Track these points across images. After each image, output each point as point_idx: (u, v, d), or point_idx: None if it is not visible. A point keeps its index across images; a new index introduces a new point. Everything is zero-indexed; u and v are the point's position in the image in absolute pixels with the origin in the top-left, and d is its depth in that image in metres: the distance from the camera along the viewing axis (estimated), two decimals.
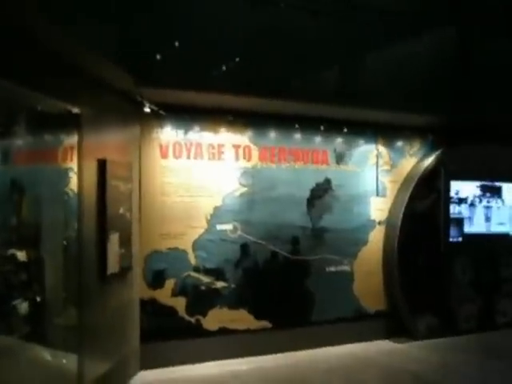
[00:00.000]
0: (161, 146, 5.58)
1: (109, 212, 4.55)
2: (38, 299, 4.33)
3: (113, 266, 4.66)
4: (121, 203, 4.88)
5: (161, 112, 5.25)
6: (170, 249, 5.54)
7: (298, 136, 6.23)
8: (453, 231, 6.85)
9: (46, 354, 4.14)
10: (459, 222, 6.91)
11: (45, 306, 4.41)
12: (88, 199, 4.30)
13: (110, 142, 4.76)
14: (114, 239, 4.68)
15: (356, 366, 5.68)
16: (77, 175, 4.14)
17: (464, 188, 6.93)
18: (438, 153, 6.71)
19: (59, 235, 4.40)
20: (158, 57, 5.27)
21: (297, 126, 6.10)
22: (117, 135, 4.94)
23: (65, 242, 4.29)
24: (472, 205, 7.03)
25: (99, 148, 4.51)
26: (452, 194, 6.83)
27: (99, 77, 4.39)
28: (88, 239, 4.30)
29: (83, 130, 4.23)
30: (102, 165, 4.47)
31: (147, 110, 5.03)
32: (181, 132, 5.67)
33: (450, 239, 6.81)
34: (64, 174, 4.41)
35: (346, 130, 6.35)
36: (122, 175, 4.89)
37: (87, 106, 4.26)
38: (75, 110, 4.12)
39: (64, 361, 4.15)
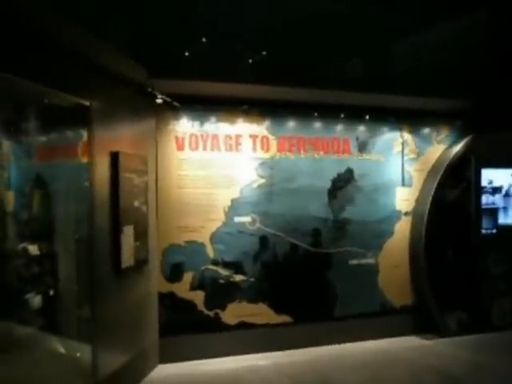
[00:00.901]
0: (177, 139, 5.51)
1: (122, 205, 4.49)
2: (52, 292, 4.32)
3: (127, 260, 4.60)
4: (135, 196, 4.82)
5: (175, 103, 5.16)
6: (187, 242, 5.49)
7: (317, 125, 6.04)
8: (486, 222, 6.54)
9: (61, 347, 4.14)
10: (493, 212, 6.60)
11: (59, 300, 4.41)
12: (101, 192, 4.25)
13: (123, 134, 4.69)
14: (128, 232, 4.62)
15: (381, 363, 5.46)
16: (89, 168, 4.07)
17: (498, 176, 6.62)
18: (467, 139, 6.40)
19: (73, 229, 4.37)
20: (172, 47, 5.21)
21: (316, 114, 5.91)
22: (131, 128, 4.87)
23: (77, 236, 4.25)
24: (507, 195, 6.69)
25: (112, 141, 4.45)
26: (485, 183, 6.52)
27: (111, 69, 4.34)
28: (101, 232, 4.26)
29: (94, 122, 4.17)
30: (114, 157, 4.42)
31: (159, 101, 4.92)
32: (197, 123, 5.58)
33: (483, 231, 6.51)
34: (81, 169, 4.36)
35: (368, 117, 6.11)
36: (136, 168, 4.82)
37: (98, 98, 4.21)
38: (86, 103, 4.05)
39: (78, 354, 4.13)
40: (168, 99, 5.03)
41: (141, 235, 4.92)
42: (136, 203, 4.82)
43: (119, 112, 4.63)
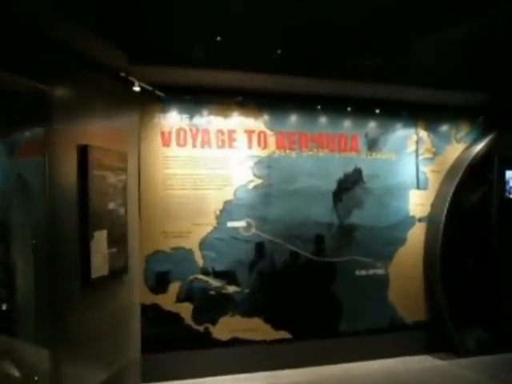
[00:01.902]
0: (163, 133, 5.01)
1: (92, 206, 3.95)
2: (5, 307, 3.79)
3: (100, 268, 4.06)
4: (111, 197, 4.28)
5: (157, 92, 4.60)
6: (174, 248, 5.00)
7: (322, 119, 5.49)
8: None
9: (15, 370, 3.60)
10: None
11: (14, 314, 3.87)
12: (66, 192, 3.70)
13: (96, 127, 4.15)
14: (100, 238, 4.08)
15: None
16: (47, 164, 3.52)
17: None
18: (490, 137, 5.86)
19: (32, 234, 3.83)
20: (155, 31, 4.64)
21: (319, 107, 5.36)
22: (107, 120, 4.33)
23: (34, 242, 3.72)
24: None
25: (81, 133, 3.91)
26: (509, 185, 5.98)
27: (81, 51, 3.81)
28: (66, 238, 3.72)
29: (58, 111, 3.62)
30: (82, 152, 3.87)
31: (136, 88, 4.36)
32: (185, 117, 5.08)
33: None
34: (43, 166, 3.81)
35: (379, 111, 5.56)
36: (111, 165, 4.28)
37: (64, 84, 3.67)
38: (45, 88, 3.49)
39: (36, 378, 3.58)
40: (148, 87, 4.47)
41: (118, 241, 4.39)
42: (111, 205, 4.28)
43: (92, 101, 4.09)
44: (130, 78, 4.28)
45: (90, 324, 3.98)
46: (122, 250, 4.48)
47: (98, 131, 4.16)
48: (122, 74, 4.22)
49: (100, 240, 4.07)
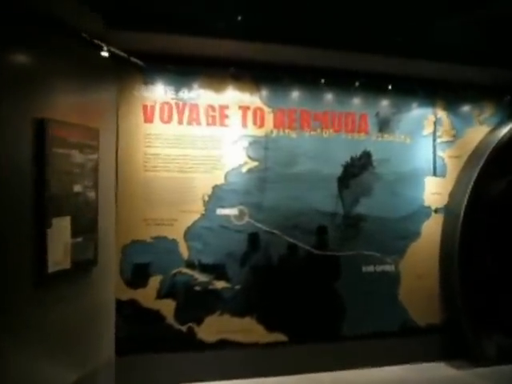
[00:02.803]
0: (145, 108, 4.47)
1: (51, 189, 3.40)
2: None
3: (60, 261, 3.53)
4: (76, 178, 3.74)
5: (134, 60, 4.07)
6: (155, 238, 4.50)
7: (327, 95, 4.92)
8: None
9: None
10: None
11: None
12: (17, 174, 3.15)
13: (62, 99, 3.62)
14: (61, 225, 3.53)
15: None
16: None
17: None
18: None
19: None
20: None
21: (324, 81, 4.77)
22: (76, 91, 3.79)
23: None
24: None
25: (40, 106, 3.37)
26: None
27: (47, 13, 3.27)
28: (17, 227, 3.16)
29: (7, 79, 3.06)
30: (38, 127, 3.31)
31: (105, 53, 3.80)
32: (171, 89, 4.55)
33: None
34: None
35: (392, 87, 4.97)
36: (78, 142, 3.75)
37: (17, 48, 3.10)
38: None
39: None
40: (122, 54, 3.89)
41: (85, 229, 3.86)
42: (77, 187, 3.74)
43: (58, 70, 3.56)
44: (101, 44, 3.69)
45: (48, 323, 3.48)
46: (91, 240, 3.97)
47: (63, 104, 3.63)
48: (96, 40, 3.64)
49: (61, 228, 3.53)
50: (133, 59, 4.05)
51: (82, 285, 3.93)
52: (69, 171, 3.64)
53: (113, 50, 3.85)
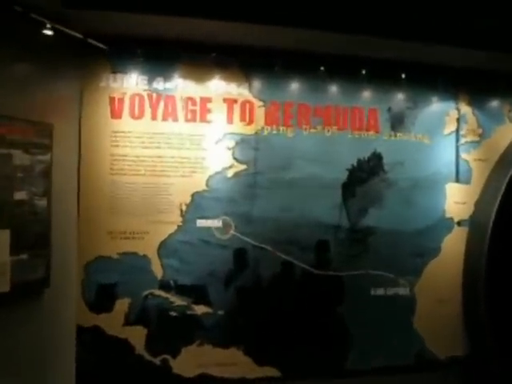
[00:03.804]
0: (112, 101, 3.93)
1: None
2: None
3: None
4: (19, 183, 3.17)
5: (91, 42, 3.50)
6: (123, 254, 3.96)
7: (330, 86, 4.36)
8: None
9: None
10: None
11: None
12: None
13: (2, 89, 3.10)
14: None
15: None
16: None
17: None
18: None
19: None
20: None
21: (325, 69, 4.19)
22: (23, 80, 3.30)
23: None
24: None
25: None
26: None
27: None
28: None
29: None
30: None
31: (48, 32, 3.21)
32: (143, 79, 4.00)
33: None
34: None
35: (406, 77, 4.41)
36: (22, 141, 3.21)
37: None
38: None
39: None
40: (76, 34, 3.29)
41: (32, 244, 3.31)
42: (20, 195, 3.17)
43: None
44: (53, 23, 3.11)
45: None
46: (40, 257, 3.42)
47: (3, 94, 3.12)
48: (47, 20, 3.07)
49: None
50: (90, 41, 3.45)
51: (28, 311, 3.40)
52: (8, 175, 3.07)
53: (63, 30, 3.22)
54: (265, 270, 4.23)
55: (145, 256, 3.98)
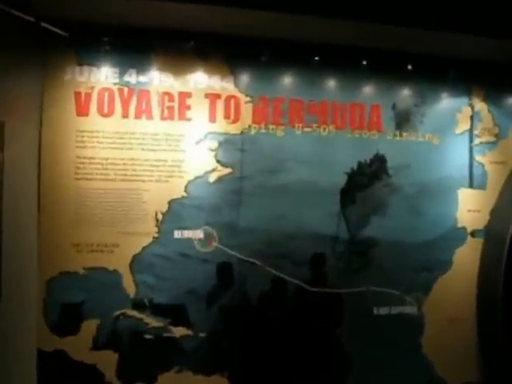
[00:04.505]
0: (78, 96, 3.61)
1: None
2: None
3: None
4: None
5: (45, 26, 3.16)
6: (90, 269, 3.65)
7: (326, 80, 4.11)
8: None
9: None
10: None
11: None
12: None
13: None
14: None
15: None
16: None
17: None
18: None
19: None
20: None
21: (319, 60, 3.92)
22: None
23: None
24: None
25: None
26: None
27: None
28: None
29: None
30: None
31: None
32: (114, 71, 3.69)
33: None
34: None
35: (413, 69, 4.13)
36: None
37: None
38: None
39: None
40: (29, 18, 2.98)
41: None
42: None
43: None
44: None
45: None
46: None
47: None
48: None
49: None
50: (45, 25, 3.12)
51: None
52: None
53: (11, 12, 2.84)
54: (253, 287, 3.97)
55: (115, 271, 3.71)
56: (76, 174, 3.59)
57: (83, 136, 3.61)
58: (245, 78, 3.90)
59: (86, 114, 3.62)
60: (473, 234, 4.50)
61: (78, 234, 3.61)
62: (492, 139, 4.54)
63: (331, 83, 4.08)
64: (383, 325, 4.17)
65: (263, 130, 3.96)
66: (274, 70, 3.96)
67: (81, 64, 3.60)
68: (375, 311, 4.18)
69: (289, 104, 4.02)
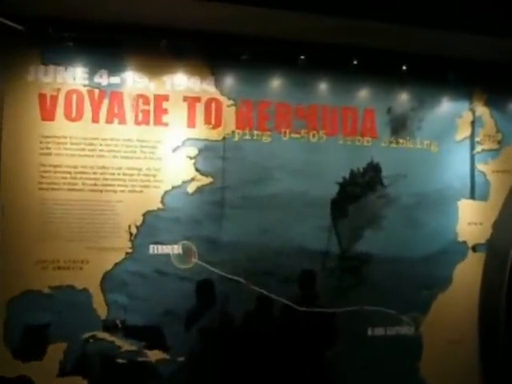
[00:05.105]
0: (43, 98, 3.47)
1: None
2: None
3: None
4: None
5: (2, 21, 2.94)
6: (56, 288, 3.47)
7: (316, 82, 4.00)
8: None
9: None
10: None
11: None
12: None
13: None
14: None
15: None
16: None
17: None
18: None
19: None
20: None
21: (306, 59, 3.80)
22: None
23: None
24: None
25: None
26: None
27: None
28: None
29: None
30: None
31: None
32: (83, 71, 3.54)
33: None
34: None
35: (409, 70, 4.00)
36: None
37: None
38: None
39: None
40: None
41: None
42: None
43: None
44: None
45: None
46: None
47: None
48: None
49: None
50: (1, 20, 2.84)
51: None
52: None
53: None
54: (236, 307, 3.80)
55: (84, 290, 3.53)
56: (40, 183, 3.43)
57: (48, 142, 3.46)
58: (227, 79, 3.79)
59: (52, 119, 3.48)
60: (474, 248, 4.39)
61: (43, 250, 3.45)
62: (495, 146, 4.43)
63: (321, 85, 3.99)
64: (378, 347, 4.03)
65: (247, 137, 3.84)
66: (259, 71, 3.87)
67: (46, 63, 3.49)
68: (369, 332, 4.04)
69: (275, 108, 3.90)
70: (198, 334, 3.70)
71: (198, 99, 3.73)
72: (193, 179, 3.72)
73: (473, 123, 4.39)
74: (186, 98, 3.71)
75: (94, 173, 3.51)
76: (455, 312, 4.28)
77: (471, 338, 4.30)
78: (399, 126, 4.22)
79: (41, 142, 3.45)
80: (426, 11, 3.48)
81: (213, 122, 3.78)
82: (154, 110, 3.66)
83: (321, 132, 3.99)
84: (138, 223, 3.60)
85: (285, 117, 3.92)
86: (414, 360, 4.15)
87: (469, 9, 3.58)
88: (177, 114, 3.71)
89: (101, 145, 3.54)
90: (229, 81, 3.78)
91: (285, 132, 3.91)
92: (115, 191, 3.55)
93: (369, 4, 3.39)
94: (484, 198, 4.42)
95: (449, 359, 4.22)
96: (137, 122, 3.63)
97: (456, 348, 4.25)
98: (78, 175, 3.48)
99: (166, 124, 3.67)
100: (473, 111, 4.40)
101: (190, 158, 3.73)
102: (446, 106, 4.32)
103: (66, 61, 3.48)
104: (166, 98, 3.67)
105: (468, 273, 4.34)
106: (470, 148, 4.39)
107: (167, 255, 3.68)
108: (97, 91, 3.54)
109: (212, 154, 3.78)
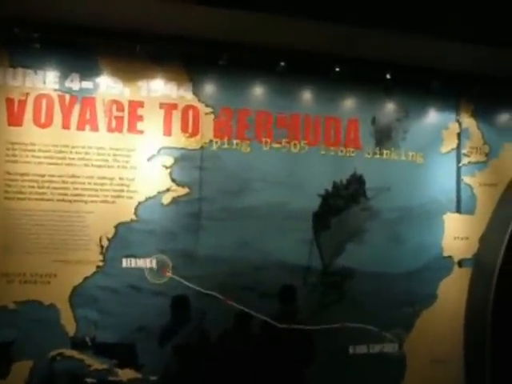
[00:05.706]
0: (10, 103, 3.37)
1: None
2: None
3: None
4: None
5: None
6: (22, 303, 3.35)
7: (296, 90, 3.92)
8: None
9: None
10: None
11: None
12: None
13: None
14: None
15: None
16: None
17: None
18: None
19: None
20: None
21: (286, 66, 3.70)
22: None
23: None
24: None
25: None
26: None
27: None
28: None
29: None
30: None
31: None
32: (54, 75, 3.43)
33: None
34: None
35: (395, 80, 3.92)
36: None
37: None
38: None
39: None
40: None
41: None
42: None
43: None
44: None
45: None
46: None
47: None
48: None
49: None
50: None
51: None
52: None
53: None
54: (213, 323, 3.63)
55: (52, 306, 3.41)
56: (6, 192, 3.33)
57: (15, 149, 3.36)
58: (205, 85, 3.71)
59: (19, 124, 3.37)
60: (460, 263, 4.33)
61: (8, 263, 3.33)
62: (481, 159, 4.37)
63: (304, 94, 3.96)
64: (360, 365, 3.92)
65: (226, 146, 3.74)
66: (239, 78, 3.82)
67: (14, 66, 3.42)
68: (351, 350, 3.94)
69: (255, 116, 3.80)
70: (172, 351, 3.51)
71: (174, 106, 3.67)
72: (168, 190, 3.65)
73: (459, 135, 4.35)
74: (162, 105, 3.67)
75: (64, 182, 3.41)
76: (440, 330, 4.24)
77: (457, 357, 4.24)
78: (384, 137, 4.17)
79: (7, 149, 3.39)
80: (413, 21, 3.40)
81: (190, 130, 3.72)
82: (128, 117, 3.60)
83: (303, 142, 3.94)
84: (110, 235, 3.51)
85: (265, 126, 3.87)
86: (397, 380, 4.07)
87: (456, 19, 3.52)
88: (152, 122, 3.64)
89: (71, 152, 3.46)
90: (207, 87, 3.70)
91: (265, 141, 3.85)
92: (86, 201, 3.47)
93: (353, 12, 3.28)
94: (470, 211, 4.37)
95: (433, 379, 4.19)
96: (110, 129, 3.57)
97: (441, 367, 4.22)
98: (47, 184, 3.40)
99: (140, 132, 3.61)
100: (459, 123, 4.36)
101: (166, 168, 3.66)
102: (432, 117, 4.31)
103: (35, 64, 3.41)
104: (141, 104, 3.61)
105: (453, 289, 4.31)
106: (457, 160, 4.34)
107: (140, 269, 3.58)
108: (68, 96, 3.47)
109: (189, 164, 3.71)
